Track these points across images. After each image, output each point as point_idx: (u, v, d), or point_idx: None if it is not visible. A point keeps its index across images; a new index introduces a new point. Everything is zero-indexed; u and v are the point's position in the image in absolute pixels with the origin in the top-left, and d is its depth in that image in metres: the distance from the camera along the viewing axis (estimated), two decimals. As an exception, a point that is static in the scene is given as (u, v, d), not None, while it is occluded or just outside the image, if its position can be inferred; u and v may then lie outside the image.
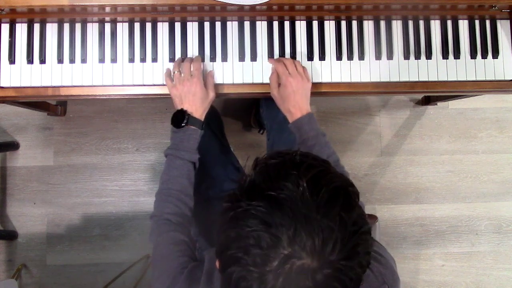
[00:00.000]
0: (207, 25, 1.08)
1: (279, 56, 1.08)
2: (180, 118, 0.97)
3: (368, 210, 1.74)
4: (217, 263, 0.61)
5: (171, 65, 1.06)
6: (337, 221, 0.54)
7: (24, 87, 1.06)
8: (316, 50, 1.08)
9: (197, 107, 0.98)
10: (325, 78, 1.08)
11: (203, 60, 1.07)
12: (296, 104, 0.99)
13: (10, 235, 1.69)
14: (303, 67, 1.04)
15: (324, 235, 0.53)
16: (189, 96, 0.98)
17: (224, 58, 1.07)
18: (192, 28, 1.07)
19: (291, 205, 0.54)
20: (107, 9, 1.03)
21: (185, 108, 0.98)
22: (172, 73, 1.02)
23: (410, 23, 1.10)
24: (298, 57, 1.08)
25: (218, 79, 1.07)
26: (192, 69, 1.00)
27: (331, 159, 0.97)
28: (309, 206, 0.54)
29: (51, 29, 1.06)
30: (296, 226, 0.53)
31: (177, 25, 1.07)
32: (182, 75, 1.00)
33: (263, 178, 0.58)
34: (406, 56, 1.09)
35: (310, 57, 1.08)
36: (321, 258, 0.52)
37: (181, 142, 0.97)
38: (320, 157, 0.63)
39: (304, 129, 0.99)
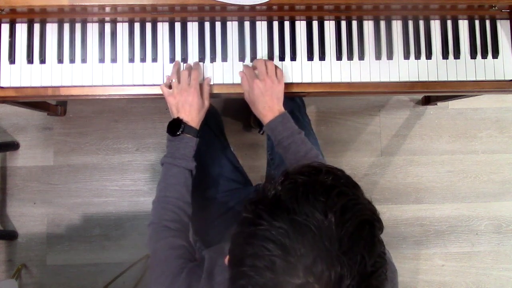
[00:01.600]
0: (207, 25, 1.08)
1: (279, 56, 1.08)
2: (176, 126, 0.98)
3: (368, 210, 1.74)
4: (226, 260, 0.61)
5: (171, 66, 1.06)
6: (358, 259, 0.53)
7: (24, 87, 1.06)
8: (316, 50, 1.08)
9: (193, 117, 0.99)
10: (325, 78, 1.08)
11: (203, 60, 1.07)
12: (265, 106, 0.99)
13: (10, 235, 1.69)
14: (278, 68, 1.03)
15: (342, 272, 0.52)
16: (185, 106, 0.99)
17: (224, 58, 1.07)
18: (192, 28, 1.07)
19: (314, 235, 0.53)
20: (107, 9, 1.03)
21: (181, 117, 0.98)
22: (170, 81, 1.02)
23: (410, 23, 1.10)
24: (298, 57, 1.08)
25: (218, 79, 1.07)
26: (190, 78, 1.00)
27: (309, 155, 0.97)
28: (332, 239, 0.53)
29: (51, 29, 1.06)
30: (315, 257, 0.52)
31: (177, 25, 1.07)
32: (180, 84, 1.00)
33: (289, 197, 0.56)
34: (406, 56, 1.09)
35: (310, 57, 1.08)
36: None
37: (177, 150, 0.97)
38: (352, 179, 0.61)
39: (278, 130, 0.99)
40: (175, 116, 0.99)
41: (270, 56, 1.07)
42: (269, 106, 0.99)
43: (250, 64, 1.07)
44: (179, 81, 1.00)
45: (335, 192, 0.56)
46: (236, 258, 0.57)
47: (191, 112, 0.99)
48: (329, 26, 1.09)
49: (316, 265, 0.51)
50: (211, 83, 1.06)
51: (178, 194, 0.95)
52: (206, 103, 1.02)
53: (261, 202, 0.58)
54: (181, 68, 1.05)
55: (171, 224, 0.92)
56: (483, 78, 1.09)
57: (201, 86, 1.02)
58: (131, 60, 1.06)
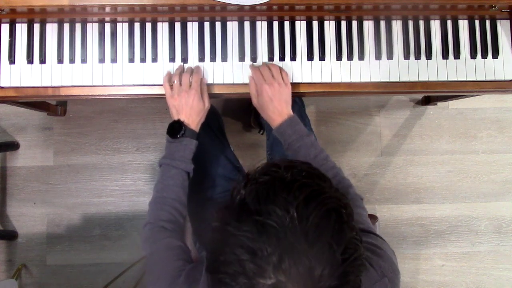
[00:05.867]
0: (207, 25, 1.07)
1: (279, 56, 1.08)
2: (177, 129, 0.98)
3: (368, 210, 1.74)
4: None
5: (171, 65, 1.06)
6: (326, 250, 0.53)
7: (24, 87, 1.06)
8: (316, 50, 1.08)
9: (193, 119, 0.99)
10: (325, 78, 1.08)
11: (203, 60, 1.07)
12: (275, 110, 0.99)
13: (10, 235, 1.69)
14: (283, 72, 1.03)
15: (311, 264, 0.52)
16: (186, 108, 0.99)
17: (224, 58, 1.07)
18: (192, 28, 1.07)
19: (278, 233, 0.53)
20: (107, 9, 1.03)
21: (181, 119, 0.98)
22: (172, 82, 1.02)
23: (410, 23, 1.10)
24: (298, 57, 1.08)
25: (218, 79, 1.07)
26: (191, 80, 1.00)
27: (318, 158, 0.97)
28: (297, 234, 0.53)
29: (51, 29, 1.06)
30: (281, 255, 0.52)
31: (177, 25, 1.07)
32: (181, 85, 1.00)
33: (252, 199, 0.56)
34: (406, 56, 1.09)
35: (310, 57, 1.08)
36: (308, 287, 0.52)
37: (177, 152, 0.97)
38: (318, 170, 0.61)
39: (287, 134, 0.99)
40: (176, 118, 0.99)
41: (270, 56, 1.07)
42: (278, 110, 0.99)
43: (250, 63, 1.07)
44: (180, 83, 1.00)
45: (296, 185, 0.56)
46: (211, 266, 0.58)
47: (191, 114, 0.99)
48: (329, 26, 1.09)
49: (283, 262, 0.52)
50: (211, 82, 1.06)
51: (175, 195, 0.95)
52: (207, 105, 1.02)
53: (228, 209, 0.58)
54: (189, 68, 1.04)
55: (167, 224, 0.92)
56: (483, 78, 1.09)
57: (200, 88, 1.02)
58: (131, 60, 1.06)
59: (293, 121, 1.00)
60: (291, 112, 1.01)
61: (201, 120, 1.02)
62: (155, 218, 0.93)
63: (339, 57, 1.08)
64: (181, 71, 1.04)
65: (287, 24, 1.08)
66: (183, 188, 0.97)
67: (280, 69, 1.03)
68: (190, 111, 0.99)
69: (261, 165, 0.62)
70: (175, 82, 1.01)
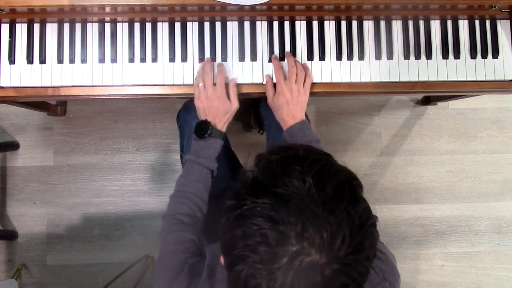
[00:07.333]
0: (207, 25, 1.08)
1: (279, 56, 1.08)
2: (204, 129, 1.00)
3: (368, 210, 1.74)
4: (221, 260, 0.61)
5: (171, 65, 1.06)
6: (344, 216, 0.54)
7: (24, 87, 1.06)
8: (316, 50, 1.08)
9: (220, 120, 1.01)
10: (325, 78, 1.08)
11: (203, 60, 1.07)
12: (289, 114, 1.02)
13: (10, 235, 1.69)
14: (307, 77, 1.04)
15: (332, 231, 0.53)
16: (212, 110, 1.01)
17: (224, 58, 1.07)
18: (192, 28, 1.07)
19: (298, 201, 0.54)
20: (107, 9, 1.03)
21: (209, 120, 1.00)
22: (197, 84, 1.03)
23: (410, 23, 1.10)
24: (298, 57, 1.08)
25: (218, 79, 1.07)
26: (216, 81, 1.02)
27: None
28: (316, 202, 0.54)
29: (51, 29, 1.06)
30: (304, 223, 0.52)
31: (177, 25, 1.07)
32: (206, 88, 1.01)
33: (266, 175, 0.57)
34: (406, 56, 1.09)
35: (310, 57, 1.08)
36: (330, 254, 0.52)
37: (202, 149, 0.99)
38: (323, 151, 0.63)
39: (297, 136, 1.00)
40: (203, 118, 1.01)
41: (270, 56, 1.07)
42: (292, 114, 1.02)
43: (250, 63, 1.07)
44: (205, 86, 1.01)
45: (308, 161, 0.58)
46: (228, 245, 0.57)
47: (217, 115, 1.01)
48: (329, 26, 1.09)
49: (306, 230, 0.52)
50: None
51: (196, 190, 0.97)
52: (235, 104, 1.03)
53: (241, 188, 0.59)
54: (211, 67, 1.04)
55: (184, 218, 0.93)
56: (483, 78, 1.09)
57: (226, 87, 1.03)
58: (131, 60, 1.06)
59: (304, 125, 1.02)
60: (303, 117, 1.03)
61: (229, 120, 1.03)
62: (173, 211, 0.95)
63: (339, 57, 1.08)
64: (202, 71, 1.04)
65: (287, 24, 1.08)
66: (204, 185, 0.99)
67: (306, 75, 1.04)
68: (216, 112, 1.01)
69: (270, 147, 0.64)
70: (200, 85, 1.02)
